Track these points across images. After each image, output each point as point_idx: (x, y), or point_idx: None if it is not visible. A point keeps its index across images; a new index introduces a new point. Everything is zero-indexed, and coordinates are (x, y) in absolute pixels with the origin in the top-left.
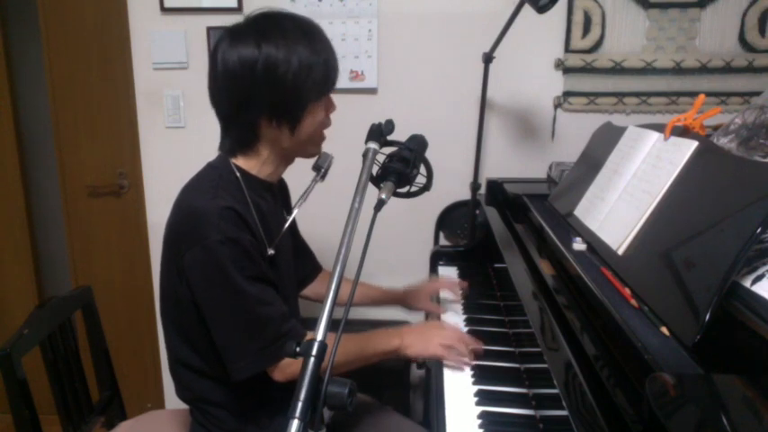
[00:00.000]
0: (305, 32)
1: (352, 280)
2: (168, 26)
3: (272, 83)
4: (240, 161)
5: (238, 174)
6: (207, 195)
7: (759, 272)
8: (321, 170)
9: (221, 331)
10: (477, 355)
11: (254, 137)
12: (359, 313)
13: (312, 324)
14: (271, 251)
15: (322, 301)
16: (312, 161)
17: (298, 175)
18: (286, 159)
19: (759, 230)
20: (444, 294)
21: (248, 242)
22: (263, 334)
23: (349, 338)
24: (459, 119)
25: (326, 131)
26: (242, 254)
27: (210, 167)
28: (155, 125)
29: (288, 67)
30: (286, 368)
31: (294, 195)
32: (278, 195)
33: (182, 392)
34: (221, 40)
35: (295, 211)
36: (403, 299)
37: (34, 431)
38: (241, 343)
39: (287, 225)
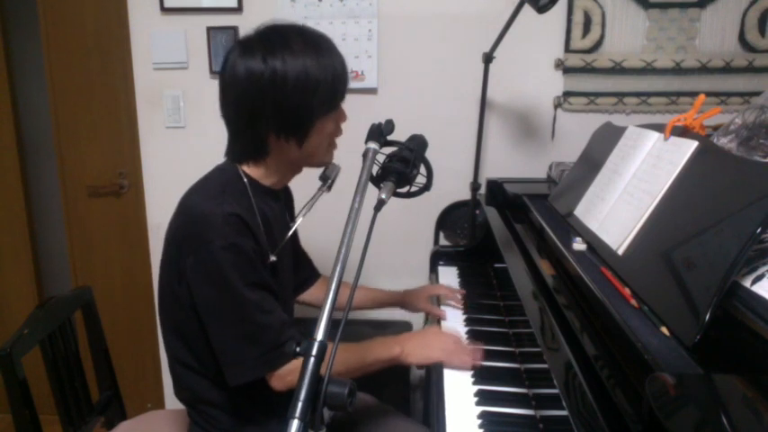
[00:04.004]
0: (313, 47)
1: (351, 284)
2: (168, 26)
3: (278, 98)
4: (247, 168)
5: (246, 180)
6: (213, 200)
7: (759, 272)
8: (328, 181)
9: (219, 336)
10: (478, 363)
11: (262, 149)
12: (359, 313)
13: (311, 325)
14: (273, 258)
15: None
16: (320, 171)
17: (304, 183)
18: (293, 169)
19: (759, 230)
20: (444, 298)
21: (251, 249)
22: (261, 341)
23: (349, 348)
24: (459, 119)
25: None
26: (244, 260)
27: (219, 171)
28: (155, 125)
29: (295, 82)
30: (285, 377)
31: (298, 203)
32: (283, 202)
33: (179, 392)
34: (231, 52)
35: (299, 220)
36: (402, 300)
37: (34, 431)
38: (239, 349)
39: (290, 233)
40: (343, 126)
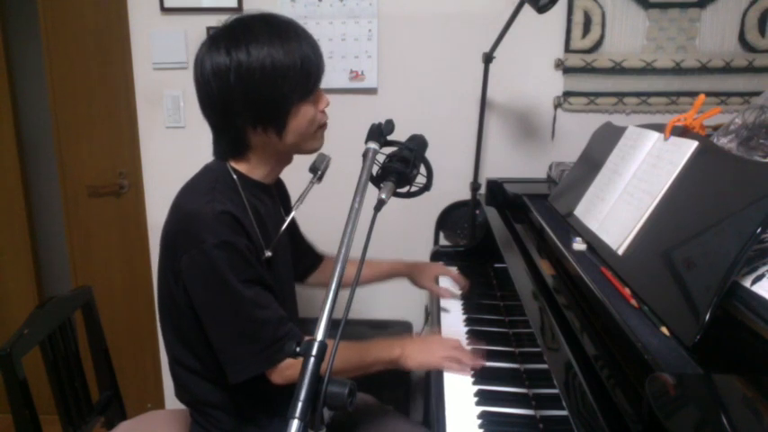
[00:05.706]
0: (278, 34)
1: (358, 260)
2: (168, 26)
3: (248, 90)
4: (235, 164)
5: (235, 176)
6: (203, 199)
7: (759, 272)
8: (318, 172)
9: (218, 334)
10: (478, 366)
11: (243, 143)
12: (359, 314)
13: (312, 325)
14: (268, 253)
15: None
16: (308, 163)
17: (295, 175)
18: (281, 159)
19: (759, 230)
20: (444, 282)
21: (244, 245)
22: (259, 337)
23: (349, 346)
24: (459, 119)
25: (328, 130)
26: (238, 257)
27: (207, 170)
28: (155, 125)
29: (261, 72)
30: (285, 371)
31: (292, 196)
32: (276, 197)
33: (180, 394)
34: (199, 49)
35: (292, 213)
36: (409, 272)
37: (34, 431)
38: (238, 346)
39: (284, 227)
40: (344, 126)
